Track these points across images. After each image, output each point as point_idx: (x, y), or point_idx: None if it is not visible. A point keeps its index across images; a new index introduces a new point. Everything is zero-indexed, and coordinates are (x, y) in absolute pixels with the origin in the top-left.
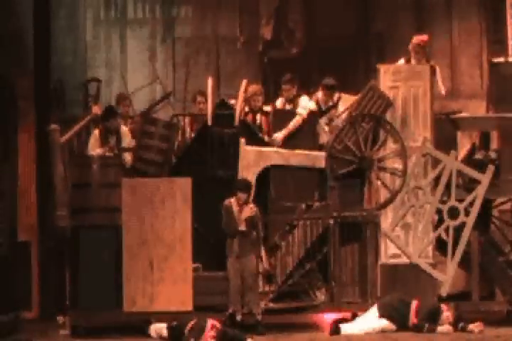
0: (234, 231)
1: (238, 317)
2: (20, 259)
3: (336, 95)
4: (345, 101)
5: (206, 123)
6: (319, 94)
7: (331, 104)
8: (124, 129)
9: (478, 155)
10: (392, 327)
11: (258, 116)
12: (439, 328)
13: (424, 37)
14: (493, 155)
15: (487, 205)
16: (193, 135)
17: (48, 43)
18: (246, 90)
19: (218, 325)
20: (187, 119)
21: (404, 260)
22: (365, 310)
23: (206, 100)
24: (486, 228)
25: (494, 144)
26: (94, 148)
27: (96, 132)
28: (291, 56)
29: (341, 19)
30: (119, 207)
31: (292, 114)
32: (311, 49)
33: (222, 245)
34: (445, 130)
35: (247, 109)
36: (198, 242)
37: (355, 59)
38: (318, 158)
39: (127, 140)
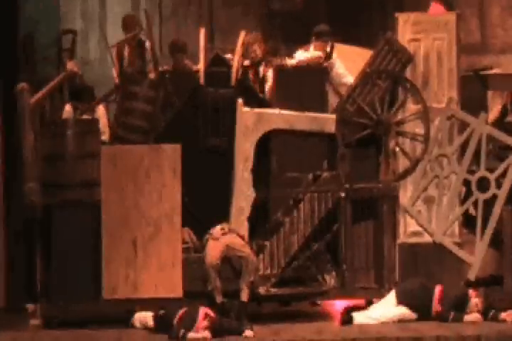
0: None
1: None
2: None
3: (329, 45)
4: (341, 53)
5: (198, 82)
6: (311, 47)
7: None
8: (101, 110)
9: (511, 118)
10: (413, 315)
11: (261, 69)
12: (467, 317)
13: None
14: None
15: None
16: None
17: None
18: (244, 43)
19: (212, 314)
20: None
21: (426, 239)
22: (381, 296)
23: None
24: None
25: None
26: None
27: (68, 109)
28: (296, 8)
29: None
30: (98, 180)
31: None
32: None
33: (214, 221)
34: (473, 89)
35: (247, 63)
36: (187, 219)
37: (369, 12)
38: (327, 122)
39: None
